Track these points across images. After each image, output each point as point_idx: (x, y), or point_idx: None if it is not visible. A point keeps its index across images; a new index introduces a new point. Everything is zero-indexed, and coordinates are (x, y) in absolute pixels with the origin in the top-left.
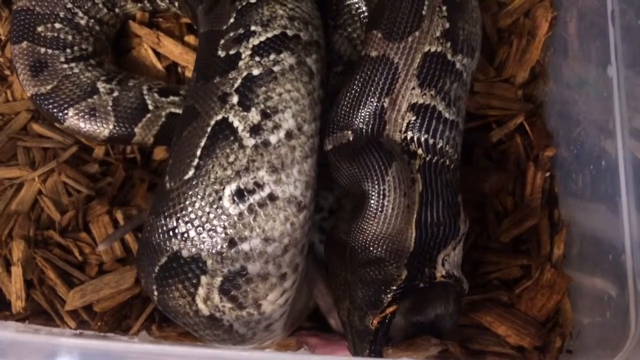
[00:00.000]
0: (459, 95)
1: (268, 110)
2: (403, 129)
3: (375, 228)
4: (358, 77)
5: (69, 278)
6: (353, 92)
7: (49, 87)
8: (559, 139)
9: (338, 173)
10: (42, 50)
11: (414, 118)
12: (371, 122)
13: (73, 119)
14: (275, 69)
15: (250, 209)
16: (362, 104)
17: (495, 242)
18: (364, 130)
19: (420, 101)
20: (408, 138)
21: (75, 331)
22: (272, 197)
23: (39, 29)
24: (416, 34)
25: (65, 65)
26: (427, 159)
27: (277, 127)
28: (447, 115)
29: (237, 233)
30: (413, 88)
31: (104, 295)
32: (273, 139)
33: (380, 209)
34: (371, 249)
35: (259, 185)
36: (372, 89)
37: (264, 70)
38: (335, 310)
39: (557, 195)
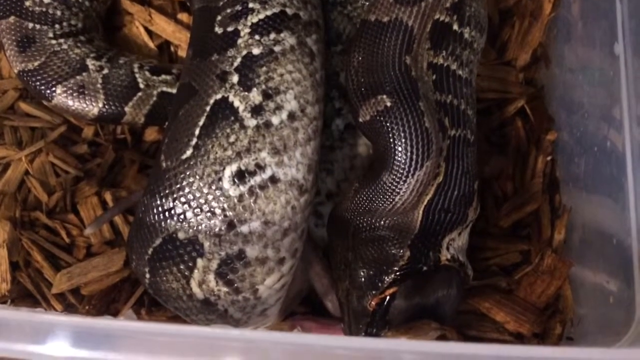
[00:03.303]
0: (470, 59)
1: (270, 91)
2: (432, 88)
3: (380, 209)
4: (370, 40)
5: (56, 260)
6: (369, 54)
7: (36, 64)
8: (561, 123)
9: (376, 142)
10: (30, 25)
11: (434, 77)
12: (401, 82)
13: (61, 97)
14: (276, 48)
15: (251, 191)
16: (384, 63)
17: (495, 227)
18: (399, 93)
19: (435, 61)
20: (438, 100)
21: (61, 314)
22: (273, 180)
23: (27, 3)
24: (429, 0)
25: (54, 41)
26: (452, 134)
27: (279, 108)
28: (460, 73)
29: (237, 215)
30: (429, 48)
31: (91, 278)
32: (275, 120)
33: (389, 201)
34: (374, 226)
35: (260, 167)
36: (392, 48)
37: (264, 50)
38: (332, 293)
39: (558, 180)
